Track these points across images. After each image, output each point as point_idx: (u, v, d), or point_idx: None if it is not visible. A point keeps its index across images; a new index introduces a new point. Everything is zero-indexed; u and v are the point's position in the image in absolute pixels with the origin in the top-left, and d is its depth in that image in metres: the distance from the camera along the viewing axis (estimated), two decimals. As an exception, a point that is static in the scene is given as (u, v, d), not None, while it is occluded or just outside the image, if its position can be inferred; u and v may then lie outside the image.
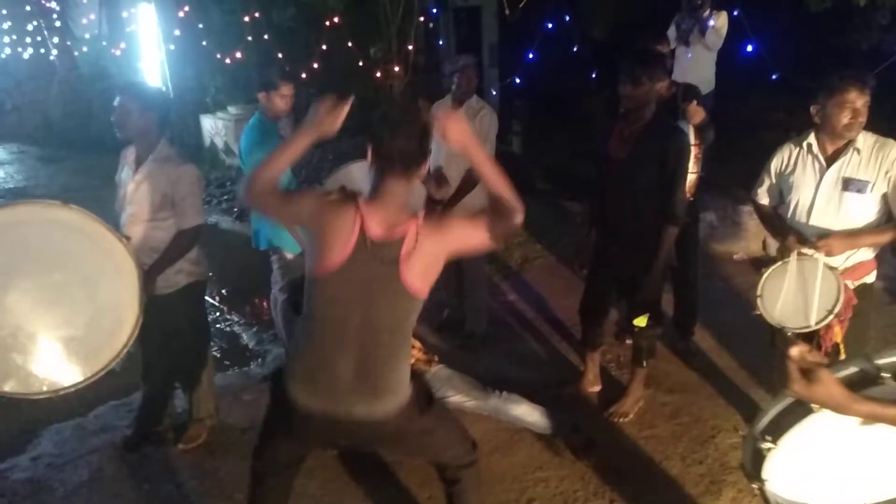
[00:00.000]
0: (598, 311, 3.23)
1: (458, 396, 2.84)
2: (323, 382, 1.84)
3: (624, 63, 2.77)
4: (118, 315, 2.47)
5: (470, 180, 3.31)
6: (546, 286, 4.56)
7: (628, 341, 3.76)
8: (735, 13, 4.76)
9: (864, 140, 2.45)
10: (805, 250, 2.48)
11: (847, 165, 2.46)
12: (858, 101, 2.36)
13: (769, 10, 5.71)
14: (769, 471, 1.65)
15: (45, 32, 9.39)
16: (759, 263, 4.24)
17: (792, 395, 1.42)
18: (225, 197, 7.14)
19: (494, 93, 7.80)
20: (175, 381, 3.14)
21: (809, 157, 2.55)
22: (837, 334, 2.51)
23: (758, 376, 3.37)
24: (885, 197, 2.44)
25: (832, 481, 1.67)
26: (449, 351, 3.74)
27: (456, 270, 3.73)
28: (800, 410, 1.59)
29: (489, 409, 2.89)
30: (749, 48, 4.52)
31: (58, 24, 9.45)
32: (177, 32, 7.57)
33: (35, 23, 9.40)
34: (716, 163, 5.32)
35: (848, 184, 2.45)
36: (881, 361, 1.51)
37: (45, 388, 2.35)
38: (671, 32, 5.24)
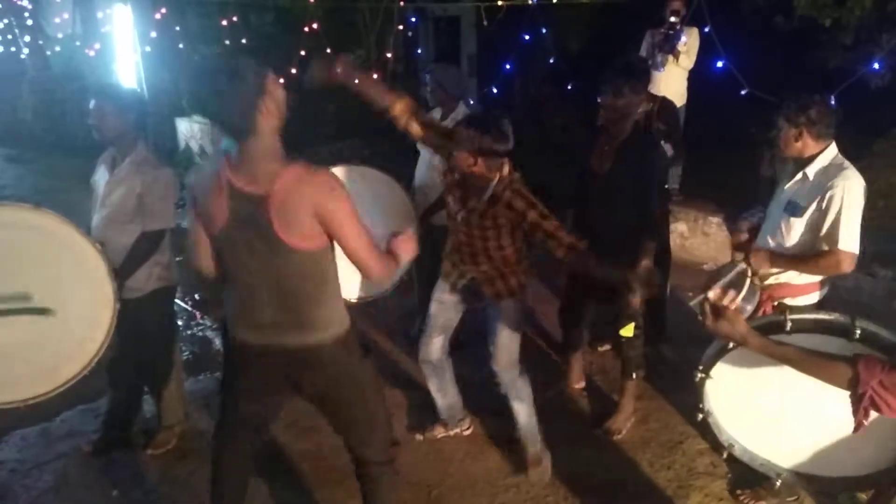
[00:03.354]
0: (576, 315, 3.31)
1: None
2: (254, 322, 1.95)
3: (607, 74, 2.68)
4: (89, 323, 2.41)
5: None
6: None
7: (601, 348, 3.82)
8: (706, 29, 4.88)
9: (818, 164, 2.42)
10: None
11: (795, 188, 2.48)
12: (787, 130, 2.39)
13: (739, 27, 5.86)
14: (710, 401, 1.93)
15: (16, 31, 9.19)
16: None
17: (707, 329, 1.69)
18: (199, 201, 7.05)
19: (472, 102, 7.88)
20: (143, 385, 3.10)
21: (783, 175, 2.62)
22: None
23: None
24: (823, 224, 2.38)
25: (767, 418, 1.93)
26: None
27: (429, 279, 3.73)
28: (723, 347, 1.88)
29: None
30: (719, 64, 4.63)
31: (29, 22, 9.25)
32: (153, 34, 7.49)
33: (5, 20, 9.21)
34: (686, 175, 5.48)
35: (787, 206, 2.48)
36: (793, 317, 1.88)
37: (12, 398, 2.29)
38: (644, 48, 5.35)
